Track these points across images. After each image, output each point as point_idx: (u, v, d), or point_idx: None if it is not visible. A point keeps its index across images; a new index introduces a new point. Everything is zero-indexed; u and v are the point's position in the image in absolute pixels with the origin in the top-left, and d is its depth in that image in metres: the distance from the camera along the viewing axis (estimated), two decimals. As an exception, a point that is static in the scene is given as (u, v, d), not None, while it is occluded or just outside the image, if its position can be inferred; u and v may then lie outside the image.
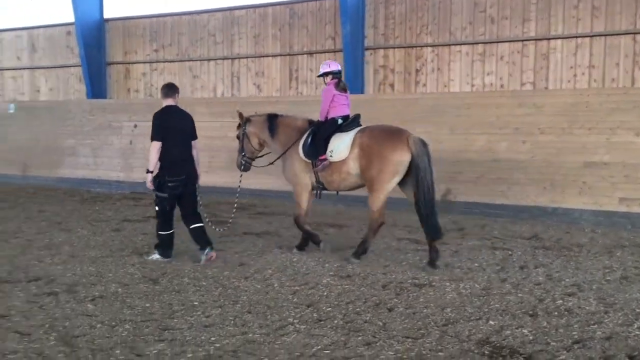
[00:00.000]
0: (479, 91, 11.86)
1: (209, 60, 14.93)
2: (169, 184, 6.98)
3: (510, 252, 7.81)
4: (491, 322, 5.07)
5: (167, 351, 4.43)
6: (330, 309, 5.46)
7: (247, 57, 14.41)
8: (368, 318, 5.20)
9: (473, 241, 8.54)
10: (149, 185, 7.10)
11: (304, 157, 7.54)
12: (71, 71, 17.09)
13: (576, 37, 10.96)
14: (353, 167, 7.20)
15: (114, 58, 16.36)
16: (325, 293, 5.96)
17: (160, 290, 6.04)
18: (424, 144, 6.96)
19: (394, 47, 12.68)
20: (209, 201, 12.30)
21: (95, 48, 15.98)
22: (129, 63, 16.16)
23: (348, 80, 12.63)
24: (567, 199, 10.20)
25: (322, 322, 5.09)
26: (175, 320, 5.14)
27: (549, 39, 11.20)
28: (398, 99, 11.85)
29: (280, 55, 13.96)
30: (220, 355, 4.37)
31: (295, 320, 5.13)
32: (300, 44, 13.70)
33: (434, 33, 12.30)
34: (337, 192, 7.89)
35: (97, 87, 16.08)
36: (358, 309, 5.44)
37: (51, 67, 17.43)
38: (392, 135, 7.09)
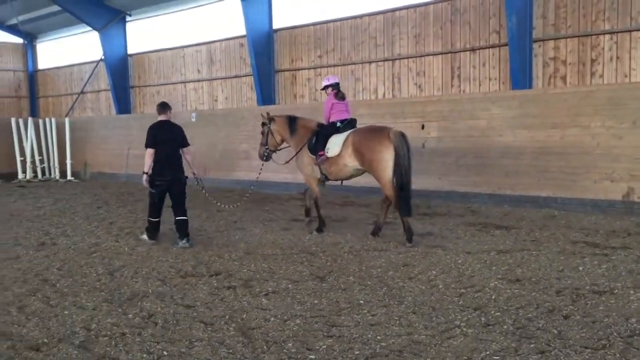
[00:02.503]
0: (667, 80, 10.68)
1: (370, 62, 15.12)
2: (156, 183, 8.60)
3: None
4: (686, 337, 4.55)
5: (335, 347, 4.59)
6: (499, 313, 5.27)
7: (407, 58, 14.36)
8: (541, 325, 4.93)
9: (662, 246, 7.72)
10: (145, 183, 8.66)
11: (309, 153, 9.23)
12: (244, 80, 18.34)
13: None
14: (349, 161, 8.71)
15: (281, 66, 17.25)
16: (493, 297, 5.76)
17: (328, 287, 6.26)
18: (402, 135, 8.27)
19: (566, 37, 11.85)
20: (370, 200, 12.47)
21: (265, 57, 17.00)
22: (295, 70, 16.92)
23: (514, 75, 12.09)
24: None
25: (490, 327, 4.93)
26: (342, 317, 5.30)
27: None
28: (571, 92, 11.04)
29: (442, 53, 13.71)
30: (386, 354, 4.42)
31: (462, 324, 5.03)
32: (463, 40, 13.35)
33: (612, 19, 11.30)
34: (342, 182, 9.47)
35: (266, 94, 17.08)
36: (529, 315, 5.18)
37: (226, 78, 18.85)
38: (376, 131, 8.57)
